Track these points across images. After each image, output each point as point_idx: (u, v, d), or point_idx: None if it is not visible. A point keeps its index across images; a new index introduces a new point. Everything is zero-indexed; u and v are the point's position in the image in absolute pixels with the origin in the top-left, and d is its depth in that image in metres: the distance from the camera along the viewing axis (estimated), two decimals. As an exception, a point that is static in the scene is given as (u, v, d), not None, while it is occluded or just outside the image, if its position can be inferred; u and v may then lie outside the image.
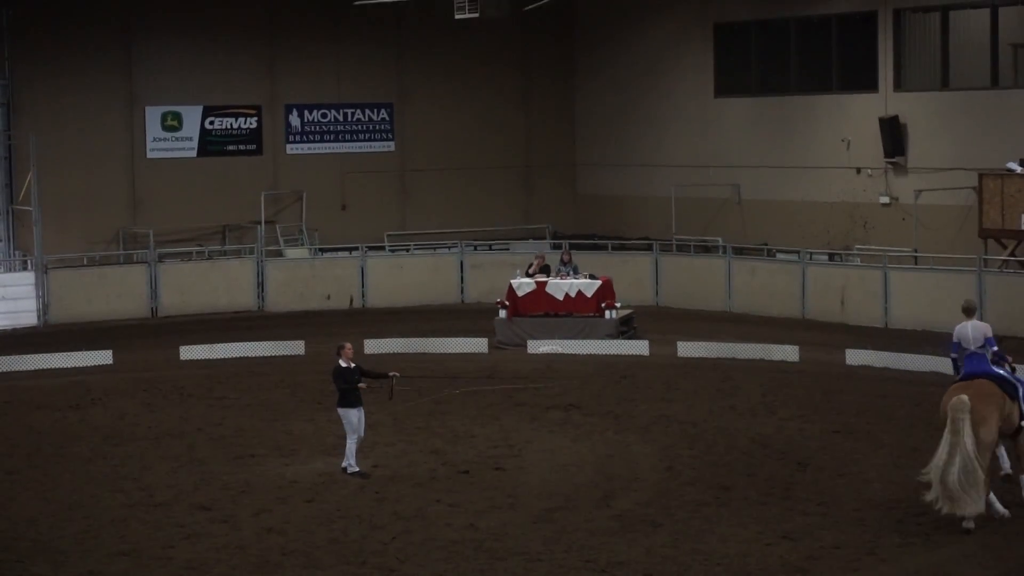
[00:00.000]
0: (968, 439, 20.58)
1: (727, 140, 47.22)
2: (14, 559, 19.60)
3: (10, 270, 43.63)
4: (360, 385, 23.81)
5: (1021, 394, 21.67)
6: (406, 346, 34.52)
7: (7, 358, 34.85)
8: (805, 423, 27.24)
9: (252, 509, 21.92)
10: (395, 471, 23.91)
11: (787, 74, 46.01)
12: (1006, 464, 22.08)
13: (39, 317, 41.31)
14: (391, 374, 24.43)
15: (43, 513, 21.94)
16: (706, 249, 44.43)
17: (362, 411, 23.93)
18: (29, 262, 43.11)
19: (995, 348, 22.14)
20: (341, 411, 23.89)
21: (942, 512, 20.42)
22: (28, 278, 41.92)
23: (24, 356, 35.03)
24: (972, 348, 21.86)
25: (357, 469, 23.77)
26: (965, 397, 20.82)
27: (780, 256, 42.22)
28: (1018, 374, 22.26)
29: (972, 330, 21.95)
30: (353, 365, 23.91)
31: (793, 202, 45.12)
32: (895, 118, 42.17)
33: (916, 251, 40.34)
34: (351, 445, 23.84)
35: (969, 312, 22.31)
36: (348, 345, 24.39)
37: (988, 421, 20.79)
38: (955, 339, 22.07)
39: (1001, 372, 21.47)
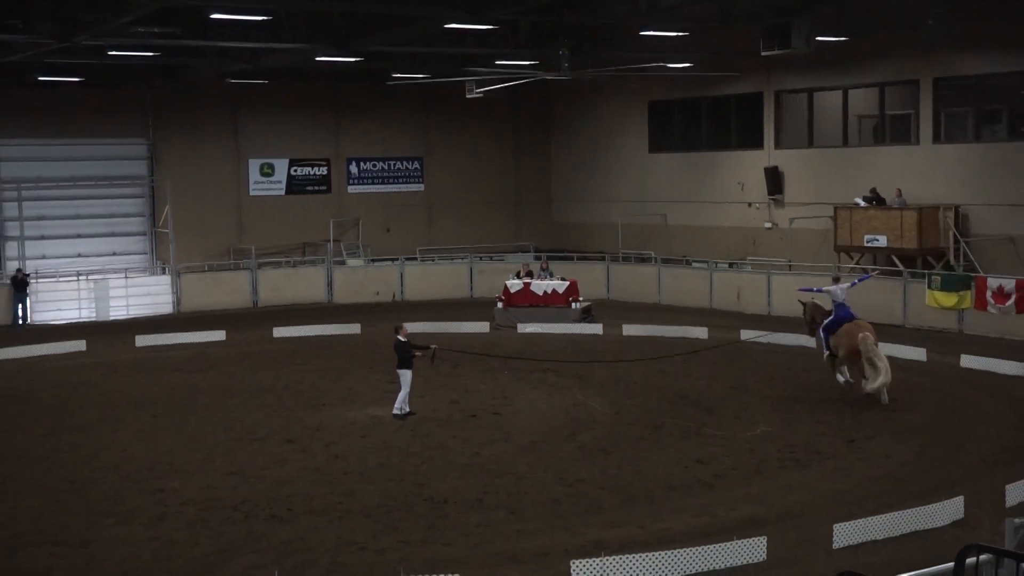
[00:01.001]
0: (881, 353, 23.80)
1: (658, 183, 47.17)
2: (154, 477, 19.73)
3: (154, 274, 43.60)
4: (416, 354, 23.81)
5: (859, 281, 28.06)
6: (433, 327, 34.48)
7: (154, 335, 34.87)
8: (712, 382, 27.27)
9: (323, 442, 21.97)
10: (424, 415, 23.92)
11: (700, 136, 46.00)
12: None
13: (174, 307, 41.34)
14: (432, 346, 24.40)
15: (176, 445, 22.02)
16: (643, 260, 44.40)
17: (411, 372, 23.91)
18: (166, 268, 43.14)
19: (859, 280, 28.40)
20: (400, 372, 23.85)
21: (882, 399, 23.74)
22: (166, 280, 41.92)
23: (163, 334, 35.04)
24: (841, 300, 24.92)
25: (408, 411, 23.82)
26: (867, 334, 23.68)
27: (695, 264, 42.18)
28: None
29: (840, 291, 25.12)
30: (406, 340, 23.91)
31: (704, 227, 45.11)
32: (776, 167, 42.19)
33: (791, 261, 40.35)
34: (404, 395, 23.85)
35: (837, 280, 26.58)
36: (404, 325, 24.37)
37: (874, 336, 23.91)
38: (826, 290, 25.62)
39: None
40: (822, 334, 24.94)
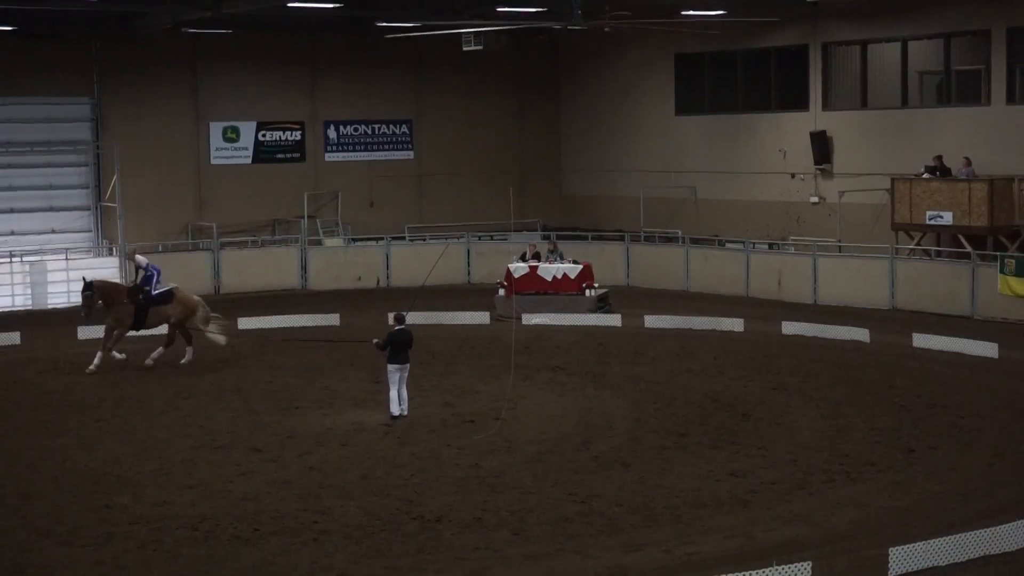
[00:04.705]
0: None
1: (685, 150, 47.17)
2: (100, 491, 19.75)
3: (99, 255, 43.63)
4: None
5: None
6: (426, 318, 34.52)
7: (99, 327, 34.69)
8: (748, 382, 27.30)
9: (296, 451, 22.01)
10: (413, 420, 23.96)
11: (734, 96, 45.94)
12: None
13: (123, 295, 41.34)
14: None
15: (124, 454, 22.06)
16: (668, 240, 44.40)
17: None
18: (114, 249, 43.15)
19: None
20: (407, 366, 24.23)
21: None
22: (113, 262, 41.93)
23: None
24: None
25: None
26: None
27: (728, 245, 42.16)
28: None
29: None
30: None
31: (739, 201, 45.11)
32: (823, 132, 42.13)
33: (840, 241, 40.33)
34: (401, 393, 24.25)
35: None
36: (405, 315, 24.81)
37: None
38: None
39: None
40: None
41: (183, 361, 29.74)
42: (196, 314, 30.12)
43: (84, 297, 29.50)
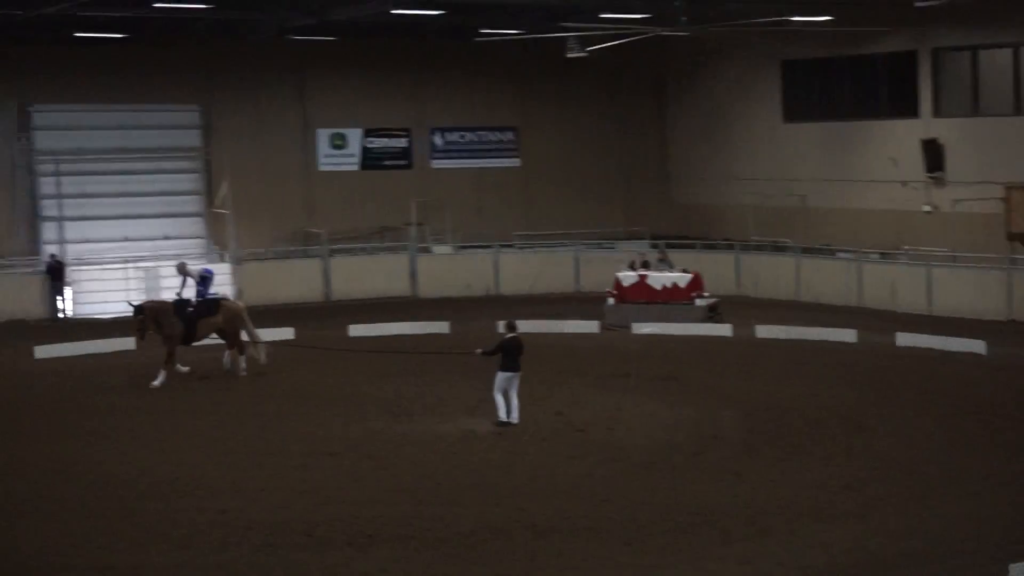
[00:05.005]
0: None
1: (795, 158, 46.93)
2: (216, 496, 19.97)
3: (211, 262, 44.08)
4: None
5: None
6: (533, 327, 34.55)
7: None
8: (862, 393, 27.05)
9: (409, 458, 22.13)
10: (524, 428, 23.99)
11: (843, 103, 45.67)
12: None
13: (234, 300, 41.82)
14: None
15: (241, 459, 22.30)
16: (778, 249, 44.16)
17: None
18: (225, 255, 43.66)
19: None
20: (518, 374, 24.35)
21: None
22: (225, 268, 42.44)
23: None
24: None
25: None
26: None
27: (839, 255, 41.90)
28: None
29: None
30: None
31: (850, 209, 44.75)
32: (934, 140, 41.73)
33: (954, 251, 39.91)
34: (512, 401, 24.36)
35: None
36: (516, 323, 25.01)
37: None
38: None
39: None
40: None
41: (230, 368, 30.14)
42: (245, 322, 30.23)
43: (136, 321, 29.46)
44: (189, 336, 29.64)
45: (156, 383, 28.70)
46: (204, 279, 30.63)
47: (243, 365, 29.85)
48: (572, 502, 19.30)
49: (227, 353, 30.27)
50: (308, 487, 20.38)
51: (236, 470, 21.52)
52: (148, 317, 29.34)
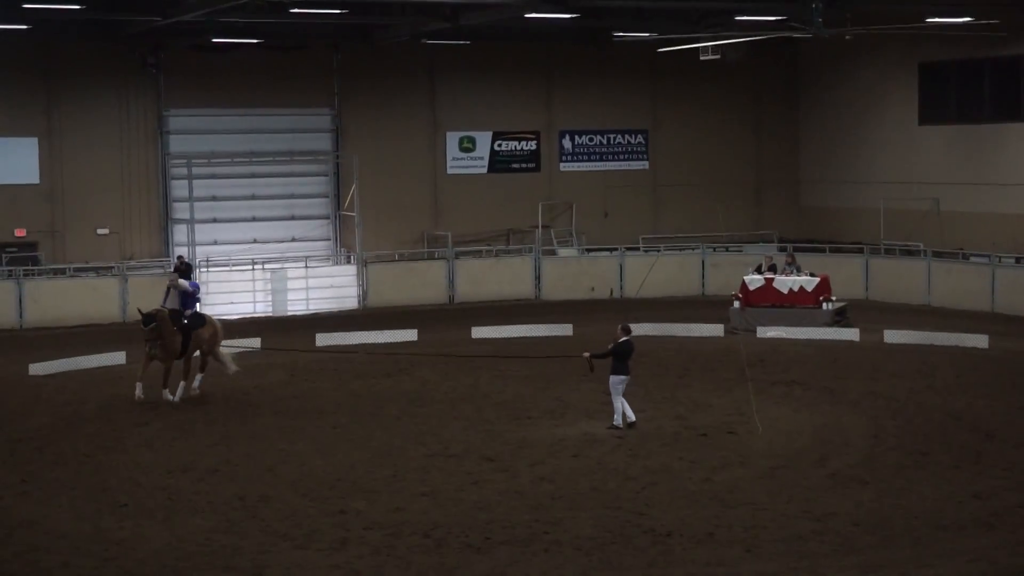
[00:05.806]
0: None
1: (928, 161, 46.33)
2: (336, 496, 20.17)
3: (337, 263, 44.60)
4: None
5: None
6: (657, 330, 34.43)
7: (337, 334, 35.60)
8: (993, 400, 26.62)
9: (528, 461, 22.14)
10: (645, 432, 23.92)
11: (981, 105, 44.99)
12: None
13: (359, 302, 42.28)
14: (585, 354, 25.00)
15: (360, 460, 22.49)
16: (909, 253, 43.62)
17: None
18: (352, 257, 44.09)
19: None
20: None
21: None
22: (351, 270, 42.88)
23: (347, 332, 35.81)
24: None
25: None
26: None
27: (973, 259, 41.30)
28: None
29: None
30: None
31: (985, 214, 44.07)
32: (1075, 143, 41.10)
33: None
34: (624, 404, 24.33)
35: None
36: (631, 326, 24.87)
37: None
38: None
39: None
40: None
41: (195, 387, 28.40)
42: (220, 339, 29.17)
43: (150, 331, 27.51)
44: (183, 351, 28.02)
45: (175, 399, 27.52)
46: (190, 294, 28.58)
47: (196, 385, 28.30)
48: (692, 507, 19.21)
49: (199, 376, 28.59)
50: (427, 488, 20.49)
51: (356, 471, 21.69)
52: (161, 325, 27.65)
